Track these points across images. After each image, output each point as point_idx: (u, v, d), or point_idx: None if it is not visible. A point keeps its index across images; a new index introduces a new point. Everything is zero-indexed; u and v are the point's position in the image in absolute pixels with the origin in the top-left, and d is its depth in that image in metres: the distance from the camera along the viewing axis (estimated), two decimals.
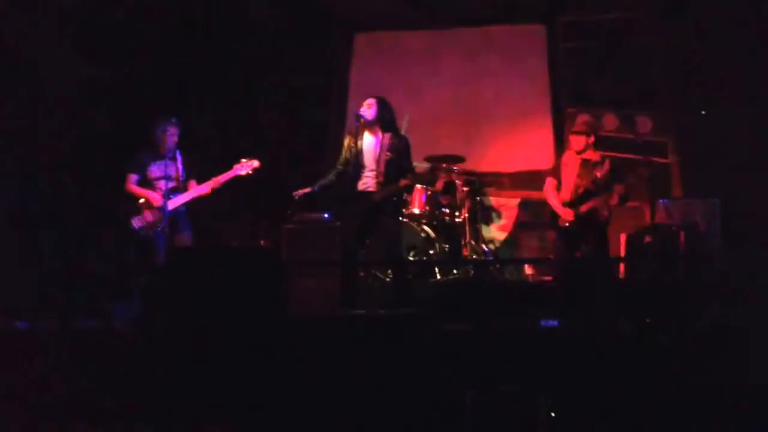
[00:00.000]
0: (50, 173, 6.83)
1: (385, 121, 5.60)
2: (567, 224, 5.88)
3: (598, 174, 5.87)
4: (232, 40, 7.82)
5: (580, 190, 5.87)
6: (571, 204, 5.89)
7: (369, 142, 5.61)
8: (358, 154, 5.59)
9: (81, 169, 6.87)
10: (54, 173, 6.84)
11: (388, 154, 5.53)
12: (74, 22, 6.97)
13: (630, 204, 6.87)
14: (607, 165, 5.94)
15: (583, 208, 5.83)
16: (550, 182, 6.07)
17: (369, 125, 5.60)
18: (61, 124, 6.91)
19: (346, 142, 5.69)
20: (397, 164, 5.55)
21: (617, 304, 4.96)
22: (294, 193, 5.75)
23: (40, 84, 6.81)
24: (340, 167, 5.69)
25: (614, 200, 5.83)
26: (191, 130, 6.13)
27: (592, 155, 5.97)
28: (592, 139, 5.98)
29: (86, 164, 6.87)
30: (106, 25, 7.17)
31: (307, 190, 5.71)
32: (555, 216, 5.99)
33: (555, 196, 5.98)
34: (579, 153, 5.94)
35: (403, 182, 5.54)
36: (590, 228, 5.86)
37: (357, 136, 5.62)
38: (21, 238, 6.44)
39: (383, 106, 5.62)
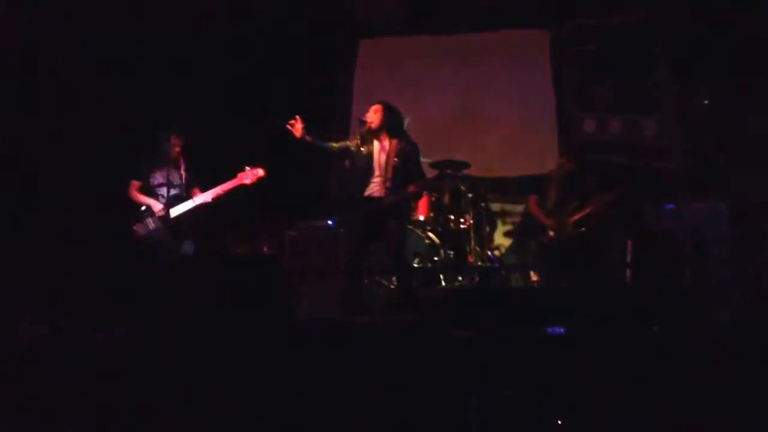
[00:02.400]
0: (52, 179, 6.83)
1: (392, 126, 5.54)
2: (552, 235, 6.10)
3: (583, 187, 6.12)
4: (236, 46, 7.83)
5: (566, 204, 6.09)
6: (557, 216, 6.11)
7: (377, 148, 5.55)
8: (369, 159, 5.52)
9: (84, 175, 6.87)
10: (56, 179, 6.84)
11: (395, 159, 5.46)
12: (76, 23, 6.98)
13: (636, 209, 6.85)
14: (590, 179, 6.19)
15: (570, 221, 6.05)
16: (533, 199, 6.32)
17: (376, 131, 5.54)
18: (64, 132, 6.92)
19: (355, 141, 5.60)
20: (405, 170, 5.49)
21: (624, 310, 4.91)
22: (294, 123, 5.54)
23: (41, 87, 6.82)
24: (335, 147, 5.62)
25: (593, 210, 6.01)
26: (195, 137, 6.12)
27: (576, 171, 6.22)
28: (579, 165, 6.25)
29: (89, 170, 6.87)
30: (113, 31, 7.18)
31: (301, 125, 5.51)
32: (541, 231, 6.21)
33: (539, 211, 6.23)
34: (568, 172, 6.17)
35: (411, 188, 5.47)
36: (577, 240, 6.04)
37: (369, 142, 5.55)
38: (23, 245, 6.43)
39: (389, 111, 5.55)
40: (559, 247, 6.09)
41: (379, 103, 5.60)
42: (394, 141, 5.51)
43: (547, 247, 6.17)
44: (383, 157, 5.51)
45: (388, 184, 5.47)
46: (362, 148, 5.54)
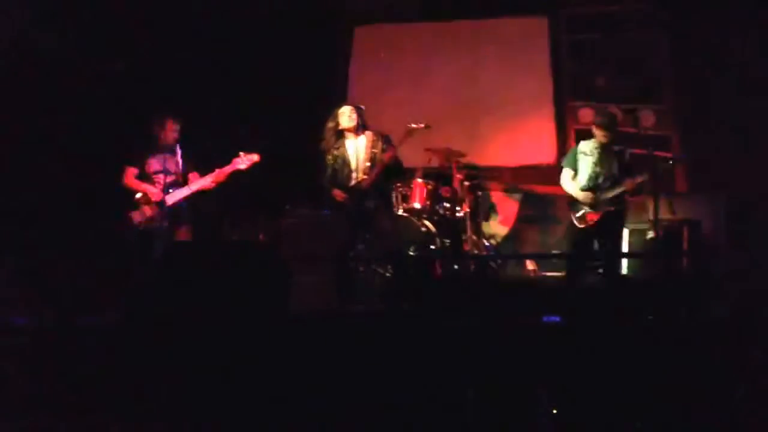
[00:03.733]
0: (49, 167, 6.80)
1: (363, 123, 5.77)
2: (585, 212, 5.80)
3: (621, 162, 5.81)
4: (231, 33, 7.79)
5: (602, 178, 5.80)
6: (592, 192, 5.81)
7: (353, 145, 5.75)
8: (344, 159, 5.71)
9: (80, 162, 6.84)
10: (53, 167, 6.81)
11: (374, 151, 5.68)
12: (76, 15, 6.94)
13: (634, 199, 6.84)
14: (627, 154, 5.88)
15: (609, 194, 5.76)
16: (566, 172, 5.99)
17: (354, 130, 5.74)
18: (60, 118, 6.89)
19: (332, 156, 5.76)
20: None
21: (621, 299, 4.91)
22: (339, 200, 5.72)
23: (40, 78, 6.78)
24: (330, 177, 5.77)
25: (633, 187, 5.76)
26: (191, 123, 6.10)
27: (612, 143, 5.89)
28: (614, 134, 5.91)
29: (86, 158, 6.84)
30: (108, 18, 7.14)
31: (339, 191, 5.71)
32: (572, 206, 5.91)
33: (573, 185, 5.92)
34: (603, 144, 5.85)
35: (386, 156, 5.63)
36: (611, 217, 5.77)
37: (340, 146, 5.74)
38: (19, 233, 6.41)
39: (359, 110, 5.79)
40: (594, 225, 5.78)
41: (349, 105, 5.81)
42: (369, 134, 5.74)
43: (580, 224, 5.84)
44: (361, 151, 5.72)
45: (368, 173, 5.66)
46: (335, 152, 5.73)
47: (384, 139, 5.75)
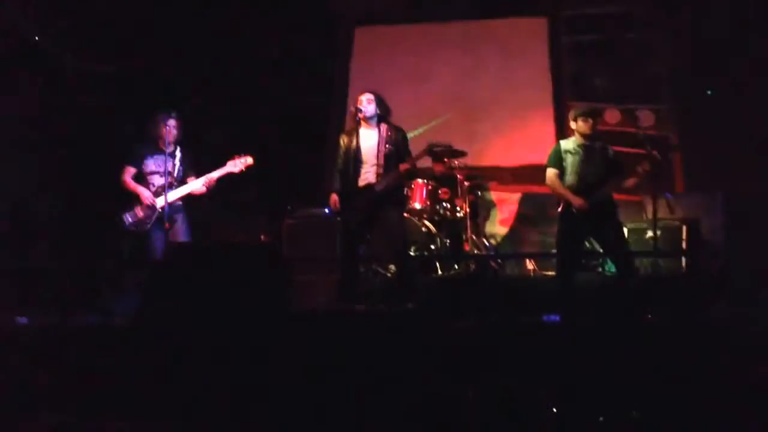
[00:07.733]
0: (47, 168, 6.80)
1: (382, 115, 5.60)
2: (580, 210, 5.42)
3: (607, 158, 5.52)
4: (231, 34, 7.80)
5: (591, 177, 5.48)
6: (583, 191, 5.48)
7: (367, 137, 5.58)
8: (357, 150, 5.55)
9: (78, 163, 6.85)
10: (51, 168, 6.82)
11: (387, 147, 5.51)
12: (75, 14, 6.95)
13: (632, 198, 6.85)
14: (611, 151, 5.63)
15: (601, 194, 5.44)
16: (552, 172, 5.59)
17: (367, 120, 5.58)
18: (59, 119, 6.89)
19: (343, 142, 5.64)
20: (396, 156, 5.52)
21: (620, 299, 4.92)
22: (332, 207, 5.66)
23: (40, 77, 6.79)
24: (341, 167, 5.63)
25: (631, 183, 5.58)
26: (190, 125, 6.10)
27: (597, 140, 5.62)
28: (596, 123, 5.62)
29: (84, 159, 6.86)
30: (107, 18, 7.15)
31: (335, 198, 5.60)
32: (566, 205, 5.55)
33: (561, 185, 5.55)
34: (586, 137, 5.53)
35: (403, 167, 5.46)
36: (607, 213, 5.47)
37: (353, 133, 5.60)
38: (19, 234, 6.42)
39: (380, 101, 5.62)
40: (588, 215, 5.40)
41: (370, 92, 5.65)
42: (384, 128, 5.57)
43: (572, 222, 5.46)
44: (374, 146, 5.54)
45: (380, 171, 5.50)
46: (353, 142, 5.58)
47: (398, 135, 5.55)
